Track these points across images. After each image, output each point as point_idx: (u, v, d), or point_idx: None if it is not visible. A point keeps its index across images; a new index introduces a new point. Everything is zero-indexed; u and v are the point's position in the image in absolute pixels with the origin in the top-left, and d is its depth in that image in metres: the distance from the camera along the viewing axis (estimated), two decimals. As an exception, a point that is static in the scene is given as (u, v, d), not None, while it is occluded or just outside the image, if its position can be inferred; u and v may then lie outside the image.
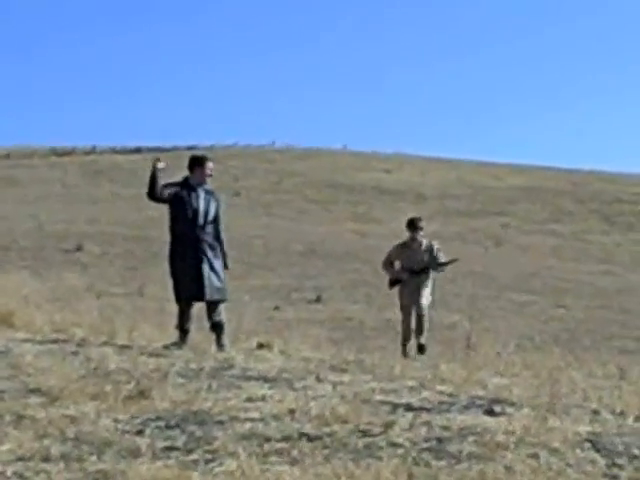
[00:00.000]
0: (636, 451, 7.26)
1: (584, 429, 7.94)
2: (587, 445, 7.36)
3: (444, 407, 8.76)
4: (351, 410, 8.34)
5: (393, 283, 17.49)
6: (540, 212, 50.26)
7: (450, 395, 9.30)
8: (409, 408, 8.60)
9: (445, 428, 7.89)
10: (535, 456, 6.87)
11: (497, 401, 8.95)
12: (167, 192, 13.23)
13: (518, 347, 12.64)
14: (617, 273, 35.69)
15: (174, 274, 13.11)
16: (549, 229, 47.45)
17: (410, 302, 16.65)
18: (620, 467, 6.70)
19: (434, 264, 17.55)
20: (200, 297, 12.95)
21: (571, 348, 13.47)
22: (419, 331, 16.11)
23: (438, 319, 20.81)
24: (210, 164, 13.57)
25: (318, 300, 23.93)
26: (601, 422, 8.30)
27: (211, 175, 13.54)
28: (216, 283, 12.90)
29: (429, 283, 17.17)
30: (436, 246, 17.58)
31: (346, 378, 10.16)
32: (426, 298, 16.77)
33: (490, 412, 8.53)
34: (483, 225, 46.93)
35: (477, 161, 65.68)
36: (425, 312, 16.46)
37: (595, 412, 8.67)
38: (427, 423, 8.04)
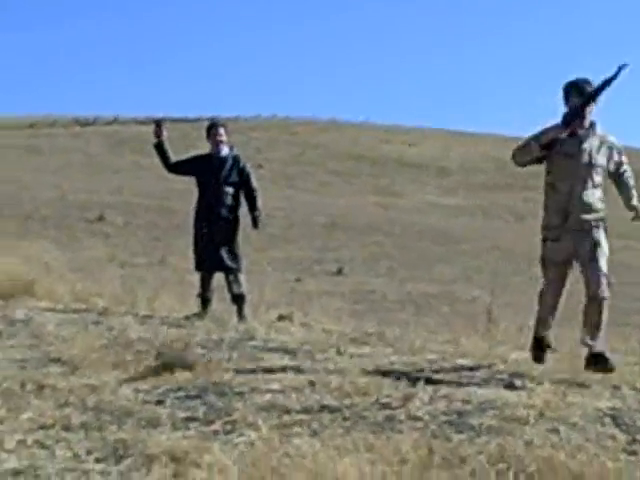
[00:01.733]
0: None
1: (604, 404, 7.93)
2: (607, 420, 7.36)
3: (464, 381, 8.77)
4: (371, 383, 8.35)
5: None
6: (563, 186, 50.03)
7: (470, 369, 9.31)
8: (429, 381, 8.59)
9: (465, 402, 7.89)
10: (555, 431, 6.87)
11: (517, 375, 8.94)
12: (188, 166, 13.48)
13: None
14: (637, 248, 35.55)
15: (195, 243, 13.08)
16: (623, 235, 47.29)
17: (570, 256, 9.45)
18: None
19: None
20: (214, 267, 12.97)
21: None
22: (591, 323, 9.28)
23: (460, 293, 20.84)
24: (220, 129, 13.38)
25: (340, 272, 23.93)
26: (621, 398, 8.28)
27: (222, 141, 13.22)
28: (228, 255, 12.80)
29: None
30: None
31: (367, 351, 10.17)
32: (604, 255, 9.44)
33: (510, 386, 8.53)
34: (506, 199, 46.79)
35: (501, 135, 65.37)
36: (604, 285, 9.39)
37: (616, 387, 8.65)
38: (447, 397, 8.05)
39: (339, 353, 9.93)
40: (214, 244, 12.78)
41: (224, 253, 12.77)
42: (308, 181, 48.05)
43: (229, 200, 12.91)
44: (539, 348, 9.62)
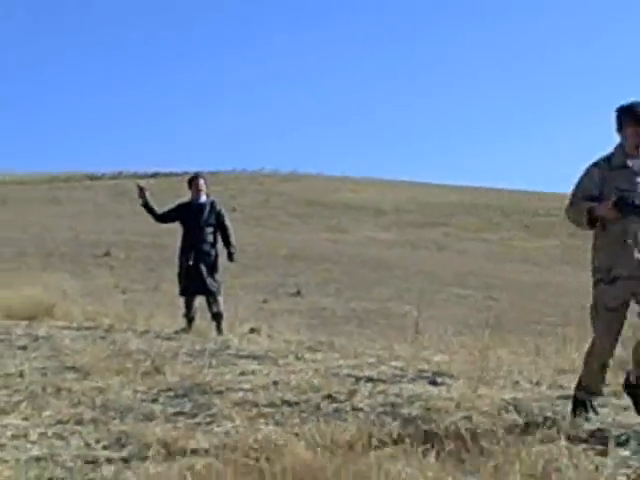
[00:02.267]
0: (549, 413, 7.28)
1: (508, 396, 7.96)
2: (510, 408, 7.37)
3: (397, 379, 8.78)
4: (323, 381, 8.39)
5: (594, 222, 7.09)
6: (474, 223, 50.27)
7: (401, 369, 9.32)
8: (369, 380, 8.63)
9: (397, 396, 7.91)
10: (469, 418, 6.89)
11: (439, 374, 8.97)
12: (174, 214, 13.33)
13: (456, 331, 12.62)
14: (535, 272, 35.74)
15: (179, 274, 12.98)
16: (481, 237, 47.48)
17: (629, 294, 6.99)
18: (536, 426, 6.71)
19: None
20: (198, 292, 12.85)
21: (498, 331, 13.43)
22: None
23: (394, 309, 20.86)
24: (200, 181, 13.32)
25: (298, 294, 23.89)
26: (521, 390, 8.33)
27: (201, 190, 13.18)
28: (210, 281, 12.71)
29: None
30: None
31: (319, 356, 10.18)
32: None
33: (433, 383, 8.56)
34: (429, 234, 46.99)
35: (424, 182, 65.80)
36: None
37: (516, 382, 8.70)
38: (383, 392, 8.07)
39: (297, 358, 9.95)
40: (198, 273, 12.66)
41: (206, 280, 12.66)
42: (272, 221, 48.02)
43: (209, 238, 12.81)
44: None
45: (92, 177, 64.71)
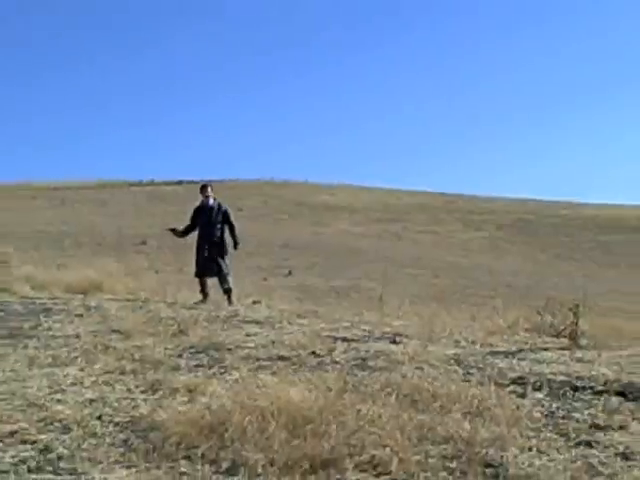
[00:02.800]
0: (481, 365, 7.32)
1: (450, 352, 8.00)
2: (452, 362, 7.41)
3: (365, 339, 8.80)
4: (308, 341, 8.41)
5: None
6: (425, 220, 50.41)
7: (369, 332, 9.34)
8: (344, 340, 8.65)
9: (366, 351, 7.93)
10: (420, 368, 6.92)
11: (398, 335, 8.98)
12: (193, 220, 13.40)
13: (411, 302, 12.66)
14: (469, 257, 35.85)
15: (197, 260, 13.07)
16: (429, 230, 47.58)
17: None
18: (472, 374, 6.75)
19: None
20: (211, 274, 12.97)
21: (442, 302, 13.51)
22: None
23: (363, 286, 20.88)
24: (208, 188, 13.38)
25: (290, 274, 23.92)
26: (460, 347, 8.37)
27: (208, 196, 13.29)
28: (221, 264, 12.80)
29: None
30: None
31: (306, 322, 10.18)
32: None
33: (393, 342, 8.57)
34: (390, 228, 47.09)
35: (386, 188, 65.96)
36: None
37: (456, 341, 8.74)
38: (355, 349, 8.10)
39: (289, 323, 9.95)
40: (211, 260, 12.82)
41: (220, 265, 12.79)
42: (270, 218, 48.02)
43: (218, 232, 12.97)
44: None
45: (131, 184, 64.55)
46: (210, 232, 13.00)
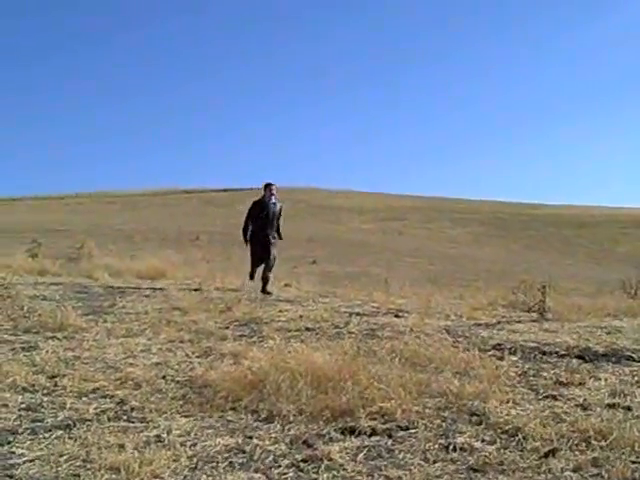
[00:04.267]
0: (467, 334, 7.27)
1: (443, 324, 7.97)
2: (444, 331, 7.37)
3: (374, 314, 8.77)
4: (329, 315, 8.39)
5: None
6: (420, 219, 50.18)
7: (377, 308, 9.30)
8: (357, 314, 8.61)
9: (375, 324, 7.90)
10: (418, 337, 6.87)
11: (400, 310, 8.96)
12: (252, 212, 11.75)
13: (410, 284, 12.58)
14: (457, 249, 35.69)
15: (254, 252, 11.66)
16: (425, 227, 47.38)
17: None
18: (460, 342, 6.71)
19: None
20: (261, 263, 11.60)
21: (436, 285, 13.44)
22: None
23: (372, 272, 20.78)
24: (273, 187, 11.83)
25: (314, 263, 23.85)
26: (450, 320, 8.33)
27: (273, 194, 11.74)
28: (273, 255, 11.53)
29: None
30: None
31: (327, 300, 10.14)
32: None
33: (397, 316, 8.54)
34: (394, 225, 46.95)
35: (390, 193, 65.95)
36: None
37: (447, 315, 8.69)
38: (366, 322, 8.07)
39: (314, 302, 9.92)
40: (267, 250, 11.48)
41: (272, 254, 11.53)
42: (297, 218, 47.98)
43: (275, 226, 11.72)
44: None
45: (187, 191, 64.75)
46: (269, 225, 11.61)
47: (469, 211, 54.08)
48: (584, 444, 3.98)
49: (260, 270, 11.75)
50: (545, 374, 5.63)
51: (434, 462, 3.78)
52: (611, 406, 4.74)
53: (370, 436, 4.17)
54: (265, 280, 11.50)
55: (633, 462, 3.73)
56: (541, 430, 4.18)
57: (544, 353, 6.39)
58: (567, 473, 3.62)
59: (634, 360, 6.11)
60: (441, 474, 3.63)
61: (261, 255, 11.60)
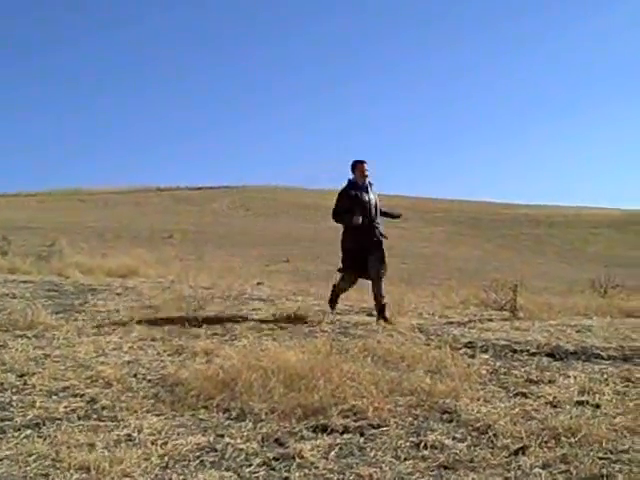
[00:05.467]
0: (439, 332, 7.31)
1: (415, 322, 8.00)
2: (416, 330, 7.41)
3: (347, 312, 8.78)
4: (303, 313, 8.36)
5: None
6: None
7: (351, 306, 9.30)
8: (331, 312, 8.60)
9: (348, 322, 7.92)
10: (391, 335, 6.91)
11: (373, 309, 8.97)
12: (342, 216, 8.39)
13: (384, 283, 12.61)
14: (430, 247, 35.85)
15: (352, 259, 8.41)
16: (398, 226, 47.42)
17: None
18: (432, 340, 6.75)
19: None
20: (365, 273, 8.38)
21: (409, 283, 13.49)
22: None
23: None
24: (365, 165, 8.43)
25: (287, 261, 23.85)
26: (423, 318, 8.36)
27: (366, 175, 8.44)
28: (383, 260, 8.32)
29: None
30: None
31: (300, 298, 10.14)
32: None
33: (370, 314, 8.54)
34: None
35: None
36: None
37: (420, 314, 8.73)
38: (339, 320, 8.08)
39: (287, 300, 9.92)
40: (372, 254, 8.30)
41: (384, 259, 8.35)
42: (273, 217, 47.93)
43: (380, 221, 8.62)
44: None
45: (160, 189, 64.28)
46: (374, 219, 8.40)
47: (442, 210, 54.37)
48: (553, 441, 4.02)
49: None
50: (516, 372, 5.68)
51: (405, 460, 3.80)
52: (580, 403, 4.79)
53: (342, 434, 4.18)
54: (381, 302, 8.17)
55: (601, 458, 3.77)
56: (511, 427, 4.22)
57: (515, 351, 6.45)
58: (536, 470, 3.65)
59: (603, 358, 6.19)
60: (412, 471, 3.65)
61: (362, 267, 8.27)
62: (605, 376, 5.54)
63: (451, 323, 8.03)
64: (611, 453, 3.86)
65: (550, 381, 5.39)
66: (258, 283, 12.64)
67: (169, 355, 6.16)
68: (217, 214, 49.36)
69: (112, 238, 27.32)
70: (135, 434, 4.10)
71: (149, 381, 5.26)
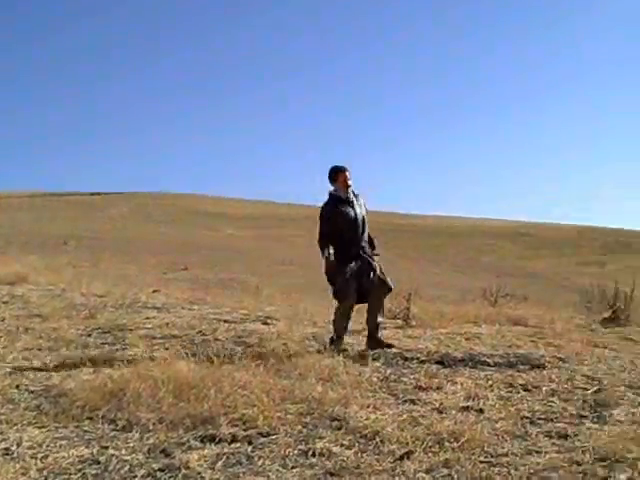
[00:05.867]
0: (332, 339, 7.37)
1: (309, 330, 8.03)
2: (311, 338, 7.45)
3: (243, 321, 8.72)
4: (197, 323, 8.29)
5: None
6: (296, 227, 50.57)
7: (246, 315, 9.24)
8: (226, 321, 8.53)
9: (243, 331, 7.86)
10: (286, 344, 6.91)
11: (269, 318, 8.95)
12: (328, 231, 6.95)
13: (282, 292, 12.66)
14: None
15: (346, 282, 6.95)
16: (300, 235, 47.69)
17: None
18: (325, 349, 6.78)
19: None
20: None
21: (308, 293, 13.58)
22: None
23: (243, 279, 20.70)
24: (347, 173, 6.97)
25: (186, 269, 23.55)
26: (318, 327, 8.39)
27: (349, 185, 6.98)
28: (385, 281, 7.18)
29: None
30: None
31: (196, 307, 9.98)
32: None
33: (265, 323, 8.52)
34: (269, 232, 47.12)
35: (265, 200, 66.05)
36: None
37: (315, 322, 8.76)
38: (234, 329, 8.01)
39: (182, 308, 9.76)
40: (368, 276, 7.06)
41: (385, 280, 7.19)
42: (173, 223, 47.20)
43: (366, 237, 7.26)
44: None
45: (56, 194, 62.49)
46: (361, 235, 7.08)
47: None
48: (437, 446, 4.13)
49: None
50: (405, 379, 5.79)
51: (292, 467, 3.82)
52: (465, 409, 4.94)
53: (230, 443, 4.16)
54: (375, 326, 7.21)
55: (482, 462, 3.90)
56: (398, 433, 4.30)
57: (406, 359, 6.57)
58: (420, 474, 3.74)
59: (489, 365, 6.39)
60: (298, 479, 3.67)
61: (361, 287, 7.03)
62: (490, 382, 5.72)
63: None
64: (492, 457, 4.00)
65: (438, 388, 5.52)
66: (154, 291, 12.40)
67: (55, 365, 5.97)
68: (115, 220, 48.24)
69: (2, 244, 26.28)
70: (14, 447, 3.96)
71: (32, 392, 5.09)
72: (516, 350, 7.09)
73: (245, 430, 4.35)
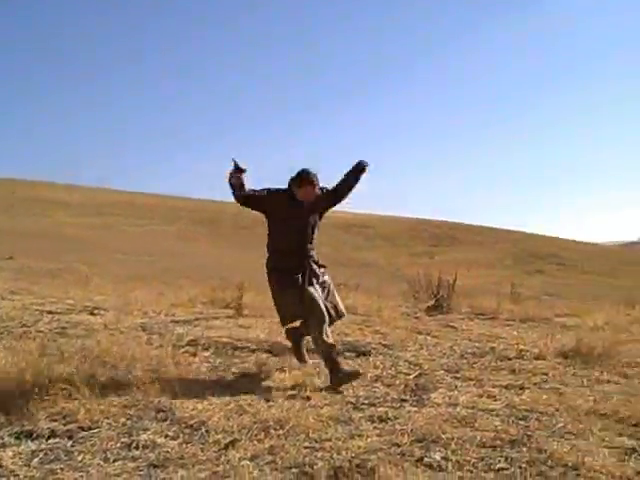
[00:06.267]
0: (163, 331, 7.24)
1: (139, 321, 7.89)
2: (139, 328, 7.30)
3: (68, 311, 8.36)
4: (19, 313, 7.89)
5: None
6: (133, 215, 49.37)
7: (72, 305, 8.86)
8: (50, 312, 8.12)
9: (67, 322, 7.55)
10: (113, 334, 6.72)
11: (97, 308, 8.66)
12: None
13: (114, 282, 12.29)
14: (169, 246, 35.54)
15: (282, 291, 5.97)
16: (137, 224, 46.58)
17: None
18: (154, 339, 6.68)
19: None
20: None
21: (140, 282, 13.23)
22: None
23: (76, 267, 19.88)
24: (315, 188, 5.83)
25: (11, 258, 22.23)
26: (148, 317, 8.22)
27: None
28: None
29: None
30: None
31: (18, 297, 9.38)
32: None
33: (92, 314, 8.25)
34: (103, 220, 45.59)
35: (101, 187, 63.84)
36: None
37: (145, 312, 8.56)
38: (58, 320, 7.67)
39: (2, 299, 9.20)
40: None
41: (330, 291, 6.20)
42: (2, 211, 44.43)
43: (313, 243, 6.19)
44: None
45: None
46: (305, 240, 6.07)
47: (182, 209, 54.29)
48: (263, 434, 4.18)
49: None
50: (234, 369, 5.83)
51: (114, 461, 3.74)
52: (292, 397, 5.03)
53: (48, 439, 4.00)
54: (327, 354, 5.60)
55: (306, 447, 3.99)
56: (224, 423, 4.32)
57: (236, 348, 6.60)
58: (244, 462, 3.77)
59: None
60: (120, 472, 3.60)
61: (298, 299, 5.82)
62: (317, 369, 5.86)
63: (177, 321, 8.00)
64: (316, 442, 4.10)
65: (267, 376, 5.60)
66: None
67: None
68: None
69: None
70: None
71: None
72: (344, 338, 7.31)
73: (65, 425, 4.20)
